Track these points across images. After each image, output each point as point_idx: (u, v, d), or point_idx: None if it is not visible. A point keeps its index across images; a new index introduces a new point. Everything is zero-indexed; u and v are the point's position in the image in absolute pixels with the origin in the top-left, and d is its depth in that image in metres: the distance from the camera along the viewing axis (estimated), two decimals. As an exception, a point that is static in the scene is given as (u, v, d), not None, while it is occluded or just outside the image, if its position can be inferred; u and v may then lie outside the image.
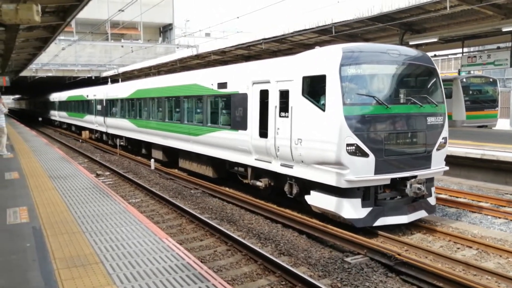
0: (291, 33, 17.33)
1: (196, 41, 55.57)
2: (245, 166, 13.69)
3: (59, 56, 36.85)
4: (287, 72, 11.26)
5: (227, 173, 15.80)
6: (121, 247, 6.81)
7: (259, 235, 10.55)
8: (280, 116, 11.35)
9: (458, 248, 9.67)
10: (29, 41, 18.84)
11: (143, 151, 23.47)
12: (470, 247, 9.64)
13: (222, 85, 14.30)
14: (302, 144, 10.54)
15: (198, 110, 16.42)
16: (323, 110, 10.01)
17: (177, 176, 18.46)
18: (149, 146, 22.19)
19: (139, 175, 19.38)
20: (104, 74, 43.00)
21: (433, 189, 11.04)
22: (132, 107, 23.70)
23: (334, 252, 9.35)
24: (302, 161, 10.67)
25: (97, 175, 18.69)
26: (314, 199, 10.79)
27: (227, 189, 15.24)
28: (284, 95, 11.20)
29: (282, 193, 12.33)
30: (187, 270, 5.89)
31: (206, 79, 15.59)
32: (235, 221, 11.84)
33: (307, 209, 11.49)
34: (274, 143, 11.56)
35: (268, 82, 11.85)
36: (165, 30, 59.64)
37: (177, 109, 18.11)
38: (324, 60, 10.30)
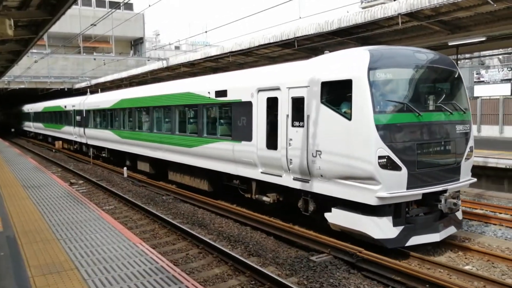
0: (257, 46, 17.42)
1: (166, 54, 55.17)
2: (248, 180, 12.10)
3: (31, 69, 35.75)
4: (301, 78, 9.83)
5: (223, 186, 14.15)
6: (96, 253, 6.64)
7: (229, 238, 10.50)
8: (293, 125, 9.95)
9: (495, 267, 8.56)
10: (1, 54, 18.22)
11: (127, 163, 21.38)
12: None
13: (221, 93, 12.75)
14: (322, 157, 9.13)
15: (192, 120, 14.81)
16: (349, 119, 8.62)
17: (149, 183, 18.17)
18: (134, 158, 20.23)
19: (112, 182, 18.97)
20: (77, 86, 42.00)
21: (459, 203, 9.42)
22: (115, 118, 21.76)
23: (300, 252, 9.40)
24: (322, 176, 9.26)
25: (71, 184, 18.19)
26: (336, 217, 9.26)
27: (197, 195, 15.12)
28: (297, 103, 9.82)
29: (292, 209, 11.02)
30: (161, 273, 5.80)
31: (202, 87, 13.96)
32: (206, 225, 11.74)
33: (325, 228, 9.90)
34: (286, 155, 10.15)
35: (278, 89, 10.48)
36: (136, 44, 58.90)
37: (167, 119, 16.37)
38: (348, 63, 8.93)
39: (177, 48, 74.29)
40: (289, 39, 15.57)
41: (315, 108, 9.33)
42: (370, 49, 8.84)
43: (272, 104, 10.74)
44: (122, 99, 20.95)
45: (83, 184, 18.69)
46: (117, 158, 22.92)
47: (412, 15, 11.91)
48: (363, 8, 37.50)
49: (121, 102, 20.92)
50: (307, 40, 15.59)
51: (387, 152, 8.28)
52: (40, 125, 41.26)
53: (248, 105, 11.52)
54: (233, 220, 12.09)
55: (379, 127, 8.28)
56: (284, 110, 10.22)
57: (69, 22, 44.15)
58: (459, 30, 13.48)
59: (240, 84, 12.14)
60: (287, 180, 10.37)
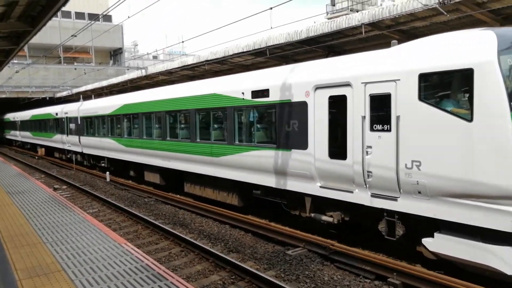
0: (231, 55, 17.41)
1: (145, 63, 54.49)
2: (297, 195, 9.76)
3: (12, 79, 34.73)
4: (384, 70, 7.61)
5: (255, 201, 11.99)
6: (82, 254, 6.49)
7: (209, 236, 10.43)
8: (373, 129, 7.74)
9: None
10: (-17, 64, 17.62)
11: (131, 173, 18.91)
12: None
13: (260, 94, 10.43)
14: (422, 169, 6.95)
15: (219, 126, 12.32)
16: (468, 120, 6.42)
17: (131, 186, 17.88)
18: (141, 168, 17.71)
19: (95, 187, 18.58)
20: (58, 95, 41.02)
21: None
22: (118, 125, 18.94)
23: (277, 247, 9.43)
24: (420, 192, 7.07)
25: (55, 189, 17.72)
26: (442, 245, 6.93)
27: (178, 196, 14.96)
28: (380, 101, 7.65)
29: (357, 229, 9.31)
30: (146, 271, 5.72)
31: (232, 87, 11.49)
32: (187, 225, 11.64)
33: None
34: (362, 166, 7.92)
35: (347, 85, 8.22)
36: (115, 54, 58.02)
37: (185, 125, 13.87)
38: (465, 48, 6.63)
39: (155, 57, 73.49)
40: (261, 48, 15.63)
41: (409, 107, 7.15)
42: (494, 30, 6.66)
43: (338, 103, 8.50)
44: (125, 104, 18.24)
45: (67, 189, 18.23)
46: (119, 168, 20.34)
47: (374, 24, 12.14)
48: (329, 19, 38.03)
49: (125, 108, 18.20)
50: (278, 49, 15.68)
51: None
52: (27, 133, 38.19)
53: (301, 106, 9.28)
54: (213, 219, 12.03)
55: None
56: (358, 110, 8.02)
57: (50, 34, 43.17)
58: (417, 38, 13.84)
59: (288, 82, 9.74)
60: (362, 197, 8.09)
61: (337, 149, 8.50)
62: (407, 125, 7.19)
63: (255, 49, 15.96)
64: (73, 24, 48.68)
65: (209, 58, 18.81)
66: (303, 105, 9.21)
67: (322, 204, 9.22)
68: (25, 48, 34.92)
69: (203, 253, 8.89)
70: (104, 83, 32.98)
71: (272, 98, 10.09)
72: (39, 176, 22.36)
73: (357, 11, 13.24)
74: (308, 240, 9.12)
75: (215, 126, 12.41)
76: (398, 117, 7.32)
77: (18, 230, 7.98)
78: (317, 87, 8.90)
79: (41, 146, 34.56)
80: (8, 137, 49.41)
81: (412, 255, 8.24)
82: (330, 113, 8.70)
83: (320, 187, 8.95)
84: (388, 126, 7.50)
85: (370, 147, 7.80)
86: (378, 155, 7.66)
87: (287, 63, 15.46)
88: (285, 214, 10.85)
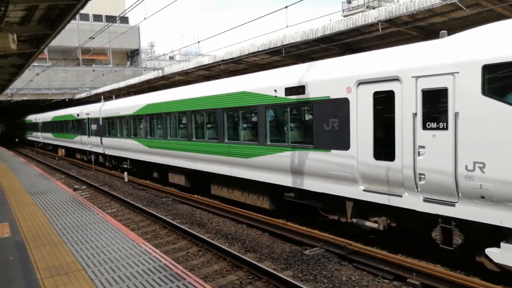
0: (246, 54, 17.40)
1: (161, 63, 55.02)
2: (337, 199, 9.11)
3: (33, 81, 35.45)
4: (439, 62, 6.92)
5: (287, 204, 11.42)
6: (101, 254, 6.58)
7: (226, 236, 10.46)
8: (425, 128, 7.10)
9: None
10: (4, 68, 18.02)
11: (155, 175, 18.56)
12: None
13: (295, 90, 9.78)
14: (487, 172, 6.30)
15: (248, 125, 11.80)
16: None
17: (149, 186, 18.06)
18: (164, 169, 17.37)
19: (113, 187, 18.83)
20: (77, 97, 41.74)
21: None
22: (140, 125, 18.57)
23: (294, 247, 9.39)
24: (483, 197, 6.44)
25: (75, 189, 18.03)
26: (511, 257, 6.24)
27: (195, 196, 15.05)
28: (434, 97, 7.01)
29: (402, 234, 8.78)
30: (164, 271, 5.76)
31: (263, 84, 10.88)
32: (204, 224, 11.69)
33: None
34: (414, 168, 7.28)
35: (395, 79, 7.58)
36: (132, 55, 58.69)
37: (212, 125, 13.33)
38: None
39: (171, 58, 74.14)
40: (276, 47, 15.58)
41: (471, 102, 6.48)
42: None
43: (384, 100, 7.89)
44: (148, 104, 17.78)
45: (86, 189, 18.53)
46: (142, 169, 20.01)
47: (391, 21, 11.98)
48: (345, 16, 37.73)
49: (148, 108, 17.74)
50: (294, 48, 15.61)
51: None
52: (49, 135, 38.28)
53: (341, 103, 8.63)
54: (230, 219, 12.06)
55: None
56: (408, 107, 7.36)
57: (68, 36, 43.91)
58: (435, 34, 13.59)
59: (326, 77, 9.07)
60: (412, 202, 7.46)
61: (384, 149, 7.87)
62: (468, 122, 6.50)
63: (270, 48, 15.92)
64: (91, 27, 49.41)
65: (225, 58, 18.85)
66: (344, 102, 8.54)
67: (364, 208, 8.62)
68: (45, 50, 35.61)
69: (220, 253, 8.92)
70: (122, 84, 33.39)
71: (308, 95, 9.41)
72: (59, 177, 22.78)
73: (373, 8, 13.07)
74: (326, 240, 9.07)
75: (245, 125, 11.87)
76: (456, 114, 6.63)
77: (40, 230, 8.14)
78: (360, 82, 8.23)
79: (63, 147, 34.64)
80: (30, 138, 50.09)
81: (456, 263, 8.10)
82: (375, 110, 8.01)
83: (364, 190, 8.32)
84: (445, 124, 6.80)
85: (423, 147, 7.13)
86: (432, 156, 6.99)
87: (303, 61, 15.36)
88: (301, 213, 10.79)
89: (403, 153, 7.44)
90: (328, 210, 9.60)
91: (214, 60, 19.86)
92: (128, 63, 58.48)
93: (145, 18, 13.46)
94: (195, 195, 15.06)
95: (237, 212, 12.06)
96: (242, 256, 8.36)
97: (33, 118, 46.16)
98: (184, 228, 10.74)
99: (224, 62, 19.06)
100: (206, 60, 21.01)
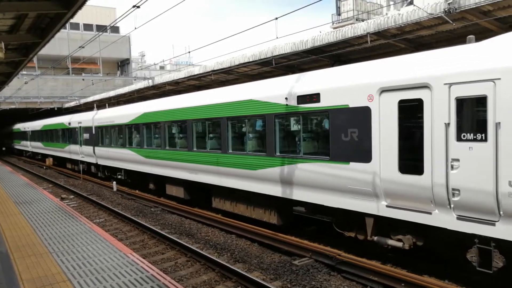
0: (237, 65, 17.47)
1: (152, 73, 54.95)
2: (357, 214, 8.41)
3: (22, 90, 35.14)
4: (477, 67, 6.34)
5: (294, 218, 10.89)
6: (88, 264, 6.48)
7: (215, 246, 10.38)
8: (460, 139, 6.51)
9: None
10: (-8, 76, 17.88)
11: (151, 186, 17.83)
12: None
13: (309, 99, 9.18)
14: None
15: (255, 135, 11.18)
16: None
17: (137, 196, 17.91)
18: (160, 180, 16.83)
19: (102, 196, 18.63)
20: (66, 105, 41.44)
21: None
22: (136, 135, 17.85)
23: (283, 257, 9.35)
24: None
25: (62, 199, 17.79)
26: None
27: (185, 206, 14.95)
28: (471, 105, 6.44)
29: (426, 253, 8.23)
30: (151, 281, 5.69)
31: (272, 92, 10.27)
32: (193, 235, 11.60)
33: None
34: (446, 183, 6.68)
35: (424, 86, 6.99)
36: (122, 64, 58.61)
37: (214, 135, 12.71)
38: None
39: (162, 68, 74.14)
40: (267, 58, 15.67)
41: None
42: None
43: (410, 108, 7.29)
44: (145, 112, 17.10)
45: (74, 198, 18.30)
46: (137, 180, 19.21)
47: (379, 34, 12.14)
48: (334, 28, 38.17)
49: (145, 116, 17.03)
50: (284, 59, 15.72)
51: None
52: (39, 144, 37.07)
53: (362, 112, 8.01)
54: (219, 229, 11.98)
55: None
56: (440, 116, 6.77)
57: (58, 45, 43.76)
58: (422, 47, 13.79)
59: (344, 84, 8.46)
60: (444, 219, 6.83)
61: (410, 162, 7.21)
62: (511, 133, 5.93)
63: (261, 59, 16.01)
64: (81, 36, 49.31)
65: (215, 68, 18.90)
66: (365, 111, 7.91)
67: (387, 225, 7.96)
68: (34, 59, 35.37)
69: (209, 263, 8.84)
70: (112, 93, 33.25)
71: (324, 104, 8.80)
72: (46, 186, 22.48)
73: (363, 21, 13.26)
74: (315, 250, 9.05)
75: (251, 135, 11.20)
76: (497, 124, 6.05)
77: (25, 240, 8.00)
78: (383, 90, 7.63)
79: (52, 156, 33.75)
80: (18, 147, 49.08)
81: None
82: (400, 119, 7.39)
83: (387, 206, 7.66)
84: (483, 135, 6.21)
85: (457, 160, 6.50)
86: (468, 170, 6.36)
87: (293, 72, 15.46)
88: (290, 223, 10.75)
89: (434, 167, 6.82)
90: (345, 227, 8.95)
91: (204, 70, 19.90)
92: (118, 72, 58.35)
93: (135, 28, 13.48)
94: (184, 206, 14.96)
95: (226, 222, 12.00)
96: (231, 266, 8.29)
97: (21, 126, 45.32)
98: (172, 238, 10.64)
99: (215, 72, 19.11)
100: (196, 70, 21.05)
